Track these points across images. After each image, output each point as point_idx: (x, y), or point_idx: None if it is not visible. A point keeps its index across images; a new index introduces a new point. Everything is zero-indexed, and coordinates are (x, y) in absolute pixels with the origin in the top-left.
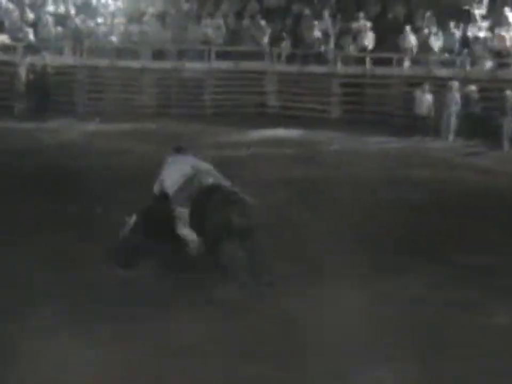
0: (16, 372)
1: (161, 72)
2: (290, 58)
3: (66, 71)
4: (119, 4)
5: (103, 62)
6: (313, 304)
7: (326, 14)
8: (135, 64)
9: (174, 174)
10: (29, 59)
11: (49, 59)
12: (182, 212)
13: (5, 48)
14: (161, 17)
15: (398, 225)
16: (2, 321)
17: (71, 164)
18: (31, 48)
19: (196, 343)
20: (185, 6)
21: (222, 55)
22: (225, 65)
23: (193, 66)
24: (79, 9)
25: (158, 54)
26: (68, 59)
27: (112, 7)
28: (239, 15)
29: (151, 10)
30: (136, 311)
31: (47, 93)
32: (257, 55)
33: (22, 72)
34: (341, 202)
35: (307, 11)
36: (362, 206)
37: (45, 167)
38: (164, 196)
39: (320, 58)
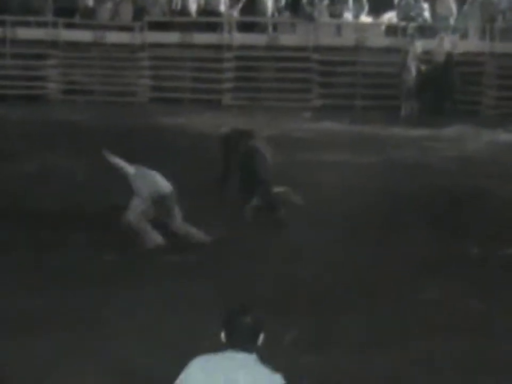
0: None
1: None
2: None
3: (470, 60)
4: None
5: None
6: None
7: None
8: None
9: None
10: (420, 44)
11: (448, 44)
12: None
13: (392, 30)
14: None
15: None
16: None
17: (472, 185)
18: (425, 30)
19: None
20: None
21: None
22: None
23: None
24: None
25: None
26: (472, 44)
27: None
28: None
29: None
30: None
31: (447, 90)
32: None
33: (412, 61)
34: None
35: None
36: None
37: (437, 187)
38: None
39: None
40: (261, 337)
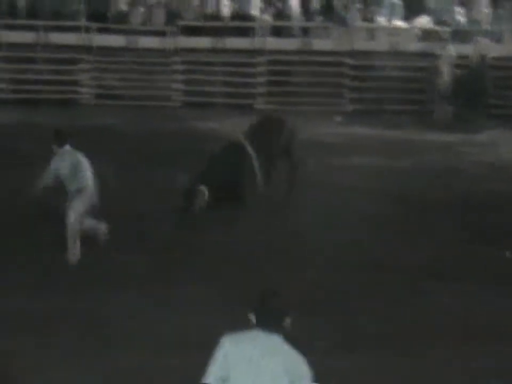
0: None
1: None
2: None
3: (504, 64)
4: None
5: None
6: None
7: None
8: None
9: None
10: (453, 48)
11: (483, 48)
12: None
13: (426, 35)
14: None
15: None
16: None
17: (505, 190)
18: (459, 34)
19: None
20: None
21: None
22: None
23: None
24: None
25: None
26: (506, 48)
27: None
28: None
29: None
30: None
31: (481, 94)
32: None
33: (445, 65)
34: None
35: None
36: None
37: (470, 192)
38: None
39: None
40: (287, 320)
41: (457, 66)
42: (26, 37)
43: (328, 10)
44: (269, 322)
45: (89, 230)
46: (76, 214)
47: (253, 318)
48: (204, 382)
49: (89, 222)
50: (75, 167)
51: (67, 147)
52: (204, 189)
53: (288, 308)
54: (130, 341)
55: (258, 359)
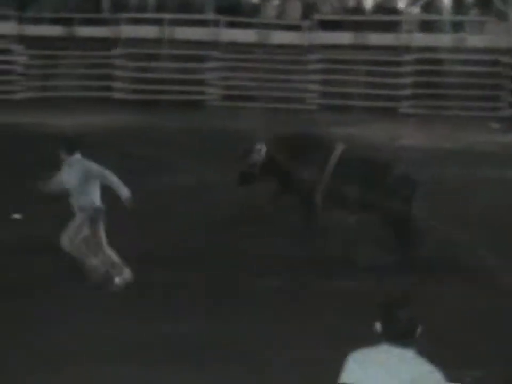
0: None
1: None
2: None
3: None
4: None
5: None
6: None
7: None
8: None
9: None
10: None
11: None
12: None
13: None
14: None
15: None
16: None
17: None
18: None
19: None
20: None
21: None
22: None
23: None
24: None
25: None
26: None
27: None
28: None
29: None
30: None
31: None
32: None
33: None
34: None
35: None
36: None
37: None
38: None
39: None
40: (419, 331)
41: None
42: (149, 31)
43: (484, 2)
44: (399, 336)
45: (102, 267)
46: (70, 237)
47: (379, 328)
48: None
49: (107, 258)
50: (84, 180)
51: (77, 156)
52: None
53: (419, 317)
54: None
55: (387, 378)
